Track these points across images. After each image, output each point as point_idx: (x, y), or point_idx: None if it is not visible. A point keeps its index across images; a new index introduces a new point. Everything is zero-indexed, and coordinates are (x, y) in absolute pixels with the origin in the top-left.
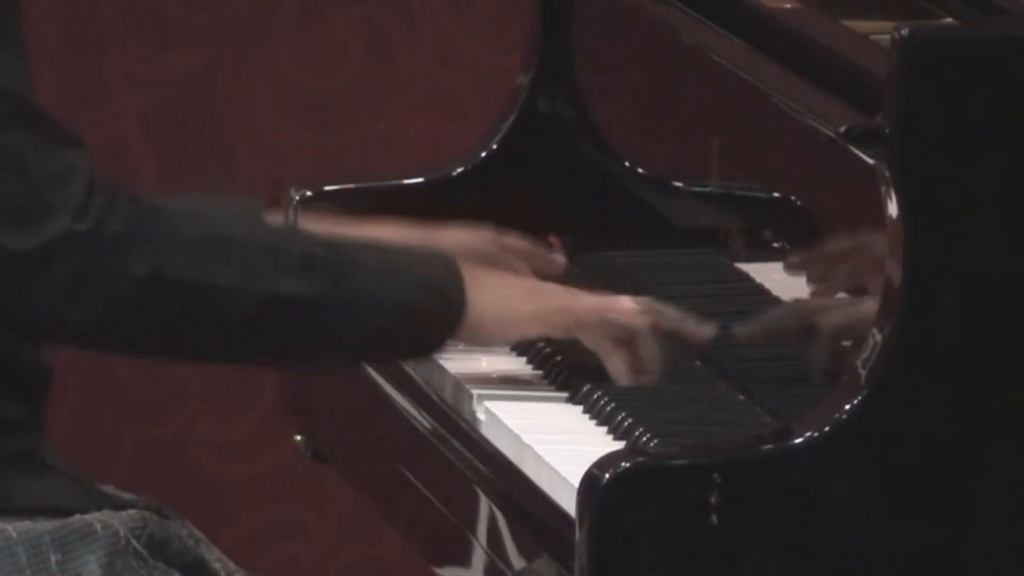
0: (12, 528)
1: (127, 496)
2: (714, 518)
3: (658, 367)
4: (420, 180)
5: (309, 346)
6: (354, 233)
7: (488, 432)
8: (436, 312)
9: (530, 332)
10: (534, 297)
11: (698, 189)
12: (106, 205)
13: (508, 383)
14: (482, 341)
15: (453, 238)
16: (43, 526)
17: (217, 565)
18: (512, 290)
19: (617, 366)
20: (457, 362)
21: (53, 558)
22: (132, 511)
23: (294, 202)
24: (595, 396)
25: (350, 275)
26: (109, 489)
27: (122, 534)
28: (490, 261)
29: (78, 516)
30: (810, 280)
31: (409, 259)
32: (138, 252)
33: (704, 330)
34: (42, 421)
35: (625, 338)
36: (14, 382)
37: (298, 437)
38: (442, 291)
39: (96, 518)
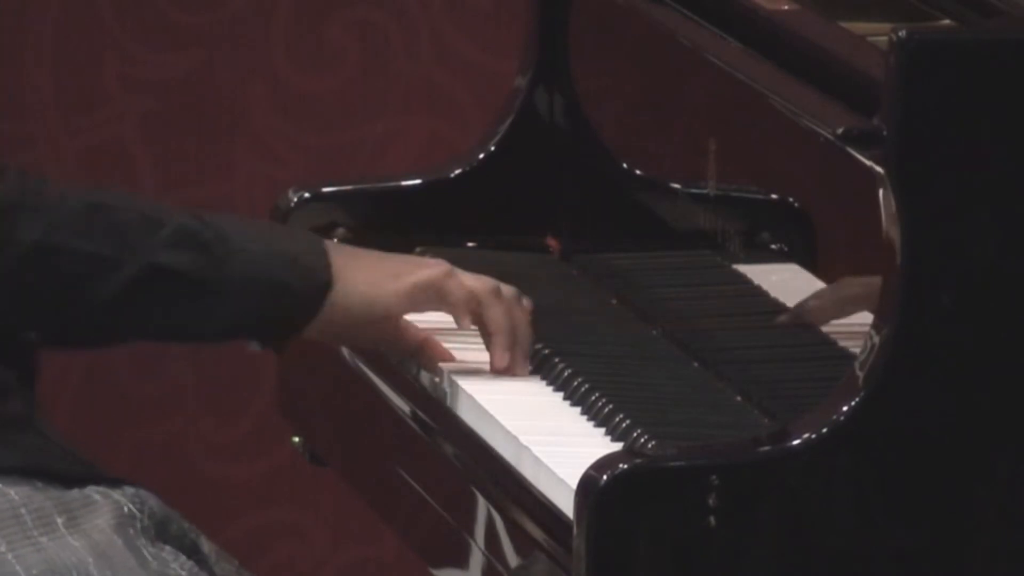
0: (14, 492)
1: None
2: (712, 520)
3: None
4: (418, 182)
5: (180, 318)
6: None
7: (485, 433)
8: (302, 289)
9: (394, 310)
10: (400, 275)
11: (696, 191)
12: None
13: (506, 384)
14: (348, 319)
15: None
16: (44, 492)
17: (211, 560)
18: (380, 269)
19: (494, 349)
20: (454, 363)
21: (59, 520)
22: (129, 488)
23: (292, 204)
24: (593, 397)
25: (222, 250)
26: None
27: (123, 503)
28: None
29: (76, 490)
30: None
31: (278, 236)
32: (25, 219)
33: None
34: (33, 388)
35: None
36: (1, 347)
37: (295, 439)
38: (309, 268)
39: (95, 490)
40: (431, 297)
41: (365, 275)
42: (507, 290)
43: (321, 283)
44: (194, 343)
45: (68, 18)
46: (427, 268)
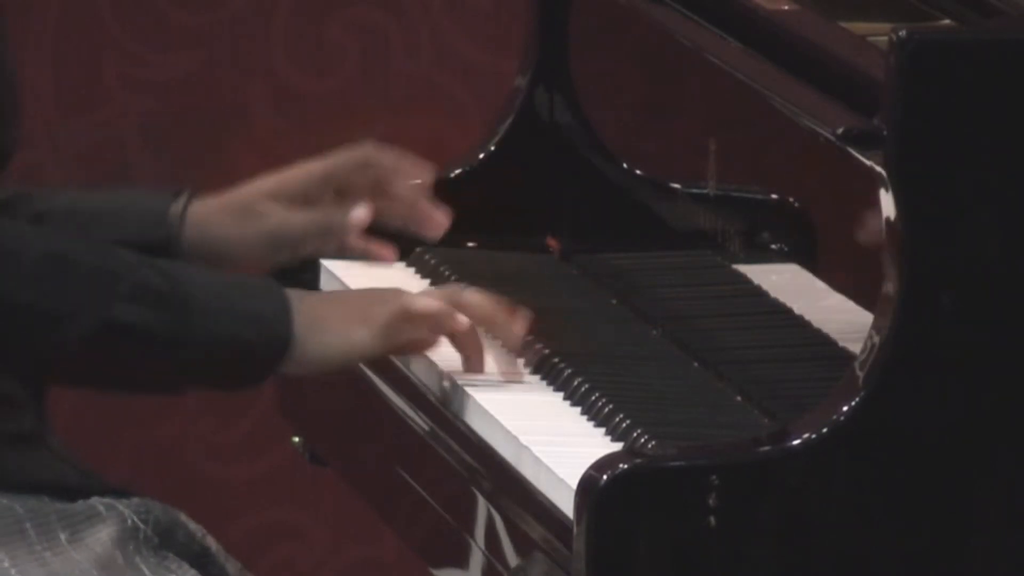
0: (18, 506)
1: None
2: (712, 520)
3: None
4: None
5: (136, 373)
6: (187, 260)
7: (485, 433)
8: (262, 347)
9: (373, 353)
10: (367, 316)
11: (696, 191)
12: None
13: (506, 384)
14: (325, 368)
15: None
16: (49, 506)
17: (221, 558)
18: (345, 315)
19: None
20: (454, 363)
21: (63, 535)
22: (135, 499)
23: None
24: (593, 397)
25: (182, 306)
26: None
27: (127, 515)
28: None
29: (81, 501)
30: None
31: (240, 291)
32: None
33: (516, 329)
34: (41, 401)
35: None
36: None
37: (295, 439)
38: (269, 326)
39: (99, 502)
40: (404, 329)
41: (332, 325)
42: (445, 302)
43: (281, 341)
44: (152, 395)
45: (68, 18)
46: (390, 304)
